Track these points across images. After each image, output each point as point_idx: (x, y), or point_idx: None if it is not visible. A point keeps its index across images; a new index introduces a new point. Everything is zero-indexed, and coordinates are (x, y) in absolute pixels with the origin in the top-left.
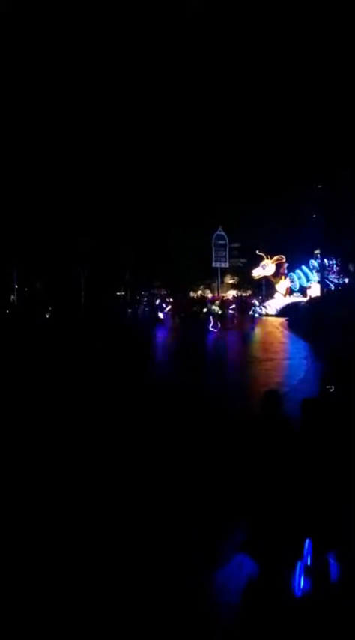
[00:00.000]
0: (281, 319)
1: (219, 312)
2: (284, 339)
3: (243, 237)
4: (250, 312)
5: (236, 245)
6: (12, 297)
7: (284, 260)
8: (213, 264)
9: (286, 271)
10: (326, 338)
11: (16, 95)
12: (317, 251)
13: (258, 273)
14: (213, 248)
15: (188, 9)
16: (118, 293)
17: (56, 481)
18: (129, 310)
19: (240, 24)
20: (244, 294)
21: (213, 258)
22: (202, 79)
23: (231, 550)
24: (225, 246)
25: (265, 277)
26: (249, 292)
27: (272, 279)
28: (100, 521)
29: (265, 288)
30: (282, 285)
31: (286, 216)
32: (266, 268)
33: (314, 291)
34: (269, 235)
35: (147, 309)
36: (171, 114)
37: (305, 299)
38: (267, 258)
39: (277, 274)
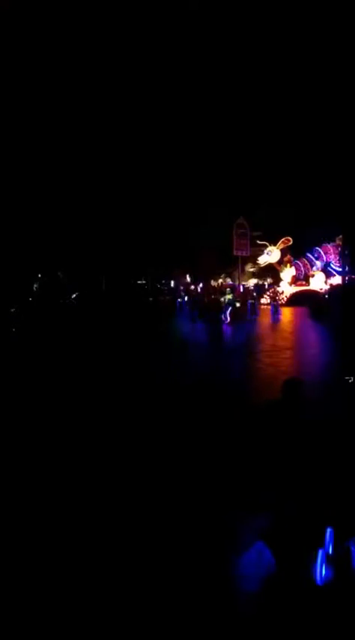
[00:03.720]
0: (292, 308)
1: (229, 298)
2: (317, 334)
3: (264, 225)
4: (265, 301)
5: (257, 233)
6: (34, 285)
7: (290, 242)
8: (234, 253)
9: (291, 259)
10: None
11: (28, 94)
12: (339, 237)
13: (263, 260)
14: (234, 236)
15: (188, 7)
16: (139, 282)
17: (71, 450)
18: (150, 299)
19: (240, 19)
20: (265, 283)
21: (234, 247)
22: (214, 72)
23: (250, 538)
24: (246, 234)
25: (271, 265)
26: (270, 280)
27: (278, 267)
28: (123, 499)
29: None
30: (288, 273)
31: (306, 202)
32: (271, 255)
33: (318, 279)
34: (288, 223)
35: (168, 297)
36: (192, 105)
37: (309, 287)
38: (271, 244)
39: (282, 261)
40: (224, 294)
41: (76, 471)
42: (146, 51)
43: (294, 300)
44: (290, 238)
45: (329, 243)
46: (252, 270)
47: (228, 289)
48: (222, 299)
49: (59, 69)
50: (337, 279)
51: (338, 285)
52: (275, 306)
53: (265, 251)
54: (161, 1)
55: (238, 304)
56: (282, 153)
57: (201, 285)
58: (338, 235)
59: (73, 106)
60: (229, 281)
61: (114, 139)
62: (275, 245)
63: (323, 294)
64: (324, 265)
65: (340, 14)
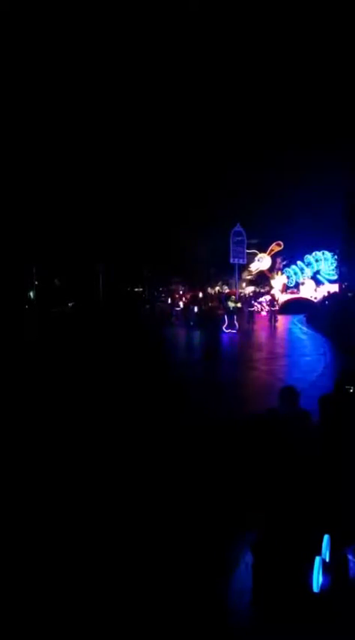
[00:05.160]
0: (286, 315)
1: (237, 306)
2: (315, 342)
3: (261, 233)
4: (264, 308)
5: (254, 241)
6: (30, 293)
7: (281, 247)
8: (231, 261)
9: (282, 266)
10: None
11: (27, 97)
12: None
13: (255, 267)
14: (231, 244)
15: (188, 8)
16: (136, 289)
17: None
18: (147, 307)
19: (240, 22)
20: (262, 290)
21: (231, 255)
22: (209, 76)
23: (238, 551)
24: (242, 242)
25: (262, 272)
26: (267, 288)
27: (269, 274)
28: (116, 517)
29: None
30: (279, 280)
31: (304, 210)
32: (262, 261)
33: (308, 287)
34: (286, 231)
35: (165, 305)
36: (187, 111)
37: (299, 294)
38: (261, 252)
39: (273, 269)
40: (228, 300)
41: (66, 484)
42: (142, 57)
43: (287, 307)
44: (281, 243)
45: (319, 251)
46: (249, 277)
47: (233, 297)
48: (232, 305)
49: (58, 68)
50: (326, 287)
51: (335, 293)
52: (273, 314)
53: (256, 258)
54: (161, 1)
55: (237, 306)
56: (280, 161)
57: (200, 294)
58: (336, 244)
59: (69, 115)
60: (226, 289)
61: (111, 144)
62: (266, 253)
63: (322, 302)
64: (314, 273)
65: (340, 15)
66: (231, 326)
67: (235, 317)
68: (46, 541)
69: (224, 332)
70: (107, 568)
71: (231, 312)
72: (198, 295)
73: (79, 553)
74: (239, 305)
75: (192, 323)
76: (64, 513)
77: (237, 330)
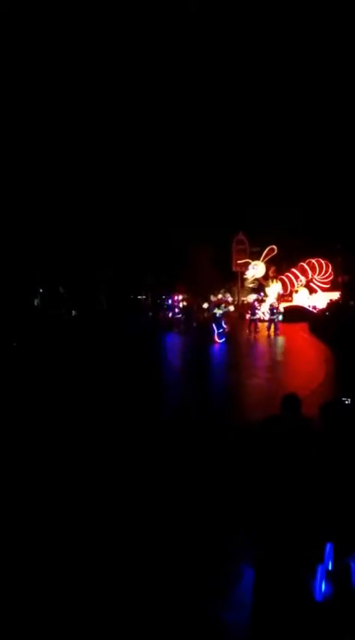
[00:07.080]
0: (286, 324)
1: (221, 316)
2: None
3: (263, 241)
4: (263, 317)
5: (256, 249)
6: (35, 301)
7: (275, 252)
8: (234, 268)
9: (276, 274)
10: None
11: (29, 106)
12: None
13: (250, 274)
14: (234, 252)
15: (188, 9)
16: (139, 297)
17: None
18: (150, 314)
19: (240, 23)
20: (264, 298)
21: (234, 262)
22: (209, 78)
23: (238, 565)
24: (245, 250)
25: (257, 280)
26: (269, 296)
27: (263, 282)
28: (111, 531)
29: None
30: (273, 288)
31: (303, 216)
32: (257, 268)
33: (302, 295)
34: (286, 238)
35: (167, 312)
36: (191, 119)
37: (292, 303)
38: (255, 260)
39: (267, 277)
40: (217, 308)
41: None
42: (142, 59)
43: (285, 315)
44: (275, 247)
45: (313, 259)
46: (251, 285)
47: (223, 305)
48: (218, 312)
49: (57, 72)
50: (319, 296)
51: (336, 301)
52: (275, 322)
53: (250, 265)
54: (160, 2)
55: (225, 324)
56: (280, 167)
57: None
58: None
59: (73, 124)
60: (229, 296)
61: (112, 152)
62: (260, 259)
63: (324, 311)
64: (308, 281)
65: (342, 19)
66: (219, 335)
67: (223, 323)
68: (40, 541)
69: (217, 341)
70: (98, 575)
71: (217, 320)
72: (194, 303)
73: (74, 557)
74: (221, 312)
75: (191, 330)
76: (59, 518)
77: (225, 340)
